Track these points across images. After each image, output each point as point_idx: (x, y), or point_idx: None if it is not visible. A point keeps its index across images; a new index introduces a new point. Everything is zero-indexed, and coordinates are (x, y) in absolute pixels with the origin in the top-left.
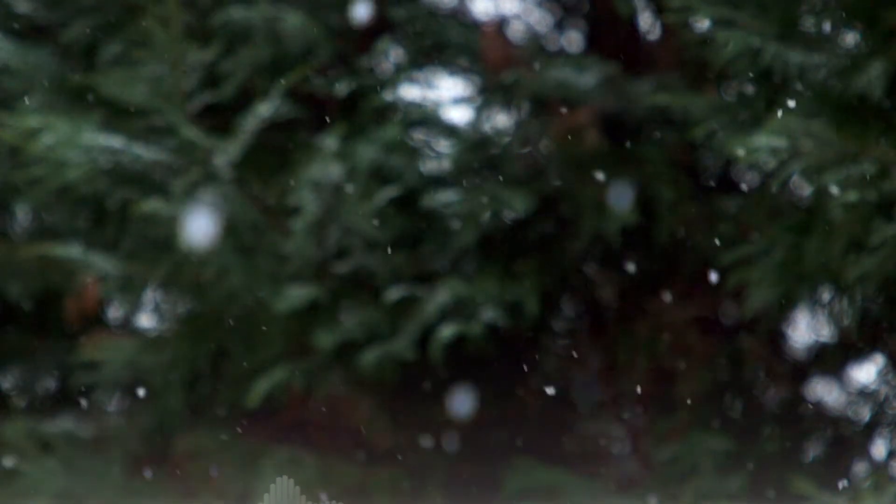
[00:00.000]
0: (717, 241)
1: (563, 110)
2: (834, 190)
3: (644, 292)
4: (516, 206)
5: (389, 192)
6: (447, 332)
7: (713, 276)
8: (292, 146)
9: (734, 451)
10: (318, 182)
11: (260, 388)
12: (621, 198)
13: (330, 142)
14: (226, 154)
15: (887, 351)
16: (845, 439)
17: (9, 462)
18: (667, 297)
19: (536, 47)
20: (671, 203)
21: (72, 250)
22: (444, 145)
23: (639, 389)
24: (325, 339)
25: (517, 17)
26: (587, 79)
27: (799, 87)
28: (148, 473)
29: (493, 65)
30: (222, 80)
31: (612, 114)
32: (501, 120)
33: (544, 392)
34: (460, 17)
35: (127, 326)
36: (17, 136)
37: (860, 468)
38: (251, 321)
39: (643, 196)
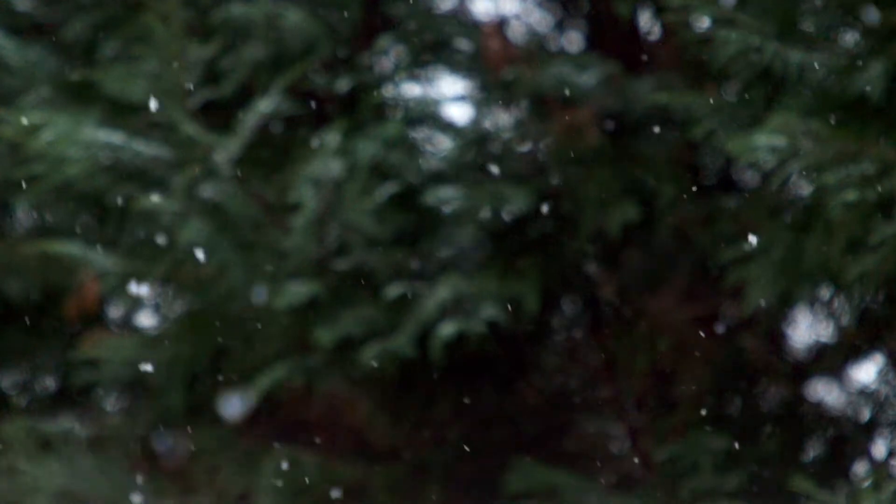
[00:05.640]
0: (716, 240)
1: (564, 108)
2: (833, 189)
3: (644, 291)
4: (516, 203)
5: (389, 189)
6: (447, 329)
7: (713, 275)
8: (292, 143)
9: (734, 451)
10: (318, 179)
11: (259, 386)
12: (621, 196)
13: (330, 138)
14: (226, 150)
15: (887, 350)
16: (845, 439)
17: (9, 461)
18: (667, 296)
19: (537, 47)
20: (671, 202)
21: (72, 247)
22: (444, 142)
23: (638, 388)
24: (324, 336)
25: (517, 17)
26: (587, 77)
27: (799, 86)
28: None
29: (494, 63)
30: (222, 76)
31: (613, 112)
32: (502, 117)
33: (544, 390)
34: (461, 17)
35: (127, 325)
36: (18, 133)
37: (860, 468)
38: (251, 318)
39: (643, 194)
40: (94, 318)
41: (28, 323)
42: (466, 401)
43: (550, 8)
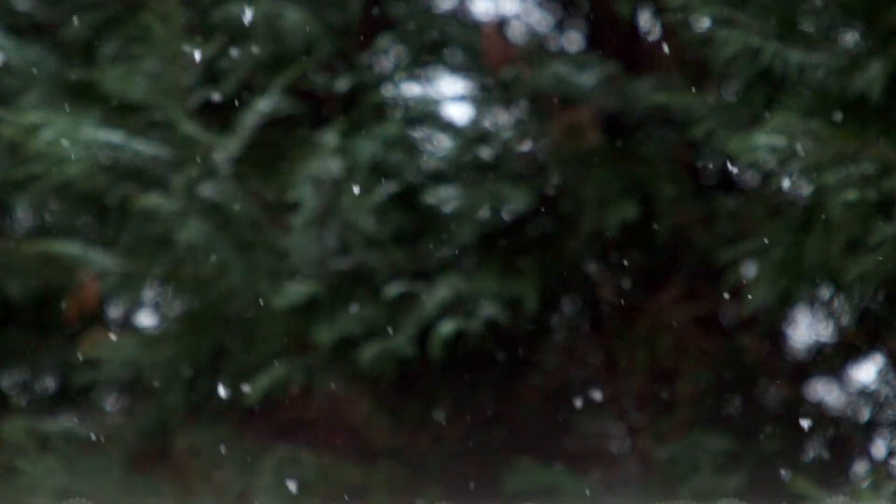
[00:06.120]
0: (716, 240)
1: (564, 108)
2: (833, 189)
3: (644, 291)
4: (516, 203)
5: (389, 189)
6: (446, 328)
7: (713, 275)
8: (292, 142)
9: (734, 451)
10: (317, 178)
11: (259, 386)
12: (621, 196)
13: (329, 138)
14: (225, 150)
15: (887, 350)
16: (845, 439)
17: (9, 461)
18: (667, 295)
19: (537, 47)
20: (671, 201)
21: (72, 247)
22: (444, 142)
23: (638, 388)
24: (324, 336)
25: (517, 17)
26: (587, 77)
27: (799, 86)
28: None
29: (494, 63)
30: (222, 76)
31: (613, 112)
32: (501, 117)
33: (544, 390)
34: (461, 17)
35: (127, 324)
36: (17, 133)
37: (860, 468)
38: (250, 318)
39: (643, 194)
40: (94, 318)
41: (28, 323)
42: (466, 401)
43: (550, 8)
